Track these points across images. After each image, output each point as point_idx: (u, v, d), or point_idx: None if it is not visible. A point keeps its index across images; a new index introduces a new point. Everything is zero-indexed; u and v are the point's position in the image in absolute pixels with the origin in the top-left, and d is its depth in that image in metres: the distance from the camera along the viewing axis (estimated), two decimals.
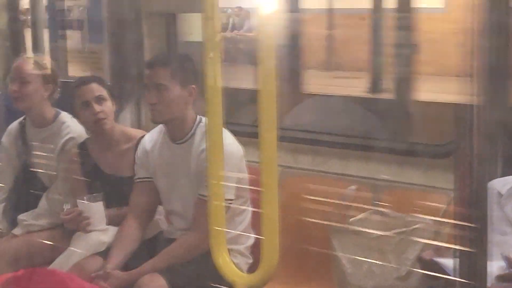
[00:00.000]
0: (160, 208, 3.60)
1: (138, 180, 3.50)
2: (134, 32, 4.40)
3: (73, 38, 4.80)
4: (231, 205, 3.19)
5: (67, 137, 3.90)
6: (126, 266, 3.30)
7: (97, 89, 3.65)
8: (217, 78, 2.13)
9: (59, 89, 3.97)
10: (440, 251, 2.64)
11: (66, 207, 3.58)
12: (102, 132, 3.67)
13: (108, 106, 3.66)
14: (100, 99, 3.63)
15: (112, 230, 3.52)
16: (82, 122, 3.78)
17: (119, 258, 3.31)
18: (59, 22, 5.29)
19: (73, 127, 3.92)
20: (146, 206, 3.50)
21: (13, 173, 4.05)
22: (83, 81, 3.73)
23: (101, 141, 3.72)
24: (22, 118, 4.04)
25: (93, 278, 3.21)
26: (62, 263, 3.45)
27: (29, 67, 3.90)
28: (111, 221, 3.56)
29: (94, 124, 3.65)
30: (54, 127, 3.94)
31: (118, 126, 3.76)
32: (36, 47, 5.79)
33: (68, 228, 3.59)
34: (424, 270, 2.68)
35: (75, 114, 3.86)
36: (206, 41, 2.11)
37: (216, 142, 2.20)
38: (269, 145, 2.01)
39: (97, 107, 3.61)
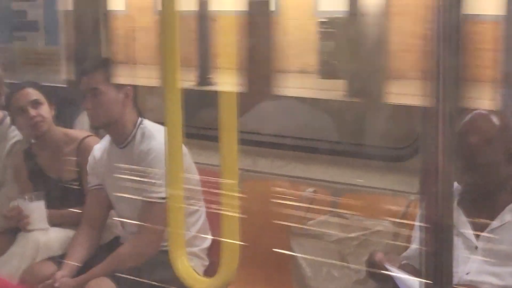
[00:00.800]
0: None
1: (90, 188, 3.50)
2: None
3: (28, 40, 4.70)
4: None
5: (13, 141, 3.89)
6: (83, 273, 3.27)
7: (32, 93, 3.62)
8: (176, 79, 2.09)
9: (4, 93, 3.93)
10: (389, 258, 2.62)
11: (13, 205, 3.57)
12: (41, 136, 3.64)
13: (45, 109, 3.62)
14: (35, 103, 3.60)
15: (53, 231, 3.53)
16: (20, 128, 3.73)
17: (72, 266, 3.30)
18: (12, 24, 5.17)
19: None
20: (99, 212, 3.50)
21: None
22: (18, 87, 3.68)
23: (44, 145, 3.69)
24: None
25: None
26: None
27: None
28: (52, 222, 3.56)
29: (31, 129, 3.61)
30: (0, 131, 3.90)
31: (59, 129, 3.72)
32: None
33: (12, 227, 3.57)
34: (372, 271, 2.66)
35: (12, 121, 3.81)
36: (162, 40, 2.05)
37: (175, 145, 2.17)
38: (229, 147, 1.99)
39: (32, 111, 3.57)
